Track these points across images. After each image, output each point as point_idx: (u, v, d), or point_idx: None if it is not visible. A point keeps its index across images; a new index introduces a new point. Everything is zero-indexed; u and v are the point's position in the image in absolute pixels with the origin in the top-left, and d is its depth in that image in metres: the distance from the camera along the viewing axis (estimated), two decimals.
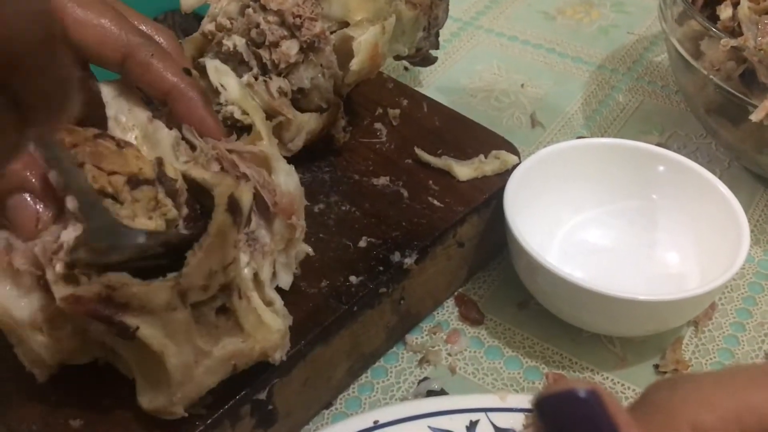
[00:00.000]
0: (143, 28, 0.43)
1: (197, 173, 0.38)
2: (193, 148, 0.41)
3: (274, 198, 0.40)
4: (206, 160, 0.40)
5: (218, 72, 0.46)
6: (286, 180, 0.41)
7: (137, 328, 0.34)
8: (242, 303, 0.38)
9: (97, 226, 0.35)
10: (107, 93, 0.42)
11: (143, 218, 0.36)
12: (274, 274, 0.42)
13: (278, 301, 0.41)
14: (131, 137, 0.41)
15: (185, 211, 0.38)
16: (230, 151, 0.41)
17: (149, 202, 0.37)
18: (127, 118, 0.41)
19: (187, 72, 0.42)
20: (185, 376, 0.36)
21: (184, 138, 0.41)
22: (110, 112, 0.41)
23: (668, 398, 0.23)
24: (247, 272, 0.39)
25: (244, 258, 0.39)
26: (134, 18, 0.43)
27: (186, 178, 0.39)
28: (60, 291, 0.34)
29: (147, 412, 0.37)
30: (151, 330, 0.35)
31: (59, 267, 0.35)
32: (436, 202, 0.50)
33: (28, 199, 0.37)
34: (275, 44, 0.49)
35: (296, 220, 0.41)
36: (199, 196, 0.39)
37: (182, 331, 0.35)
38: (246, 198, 0.38)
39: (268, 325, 0.39)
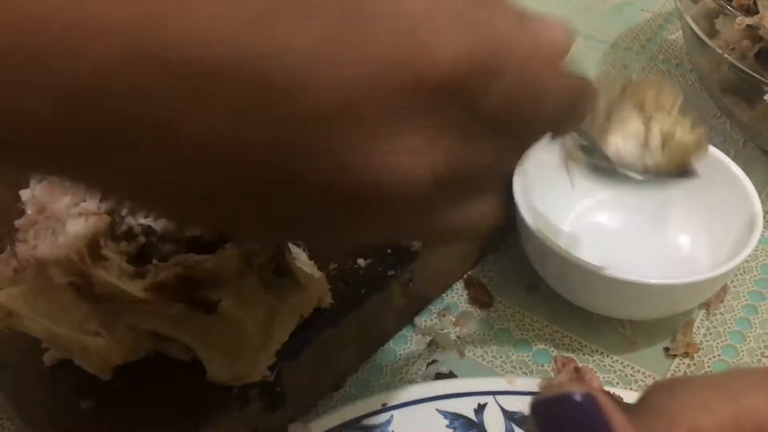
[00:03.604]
0: None
1: None
2: None
3: None
4: None
5: None
6: None
7: (219, 300, 0.36)
8: (292, 259, 0.40)
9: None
10: None
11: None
12: None
13: (302, 254, 0.43)
14: None
15: None
16: None
17: None
18: None
19: None
20: (264, 336, 0.38)
21: None
22: None
23: (667, 402, 0.23)
24: None
25: None
26: None
27: None
28: (134, 285, 0.35)
29: (222, 384, 0.39)
30: (229, 300, 0.36)
31: (124, 264, 0.36)
32: None
33: None
34: None
35: None
36: None
37: (254, 294, 0.37)
38: None
39: (313, 275, 0.41)
